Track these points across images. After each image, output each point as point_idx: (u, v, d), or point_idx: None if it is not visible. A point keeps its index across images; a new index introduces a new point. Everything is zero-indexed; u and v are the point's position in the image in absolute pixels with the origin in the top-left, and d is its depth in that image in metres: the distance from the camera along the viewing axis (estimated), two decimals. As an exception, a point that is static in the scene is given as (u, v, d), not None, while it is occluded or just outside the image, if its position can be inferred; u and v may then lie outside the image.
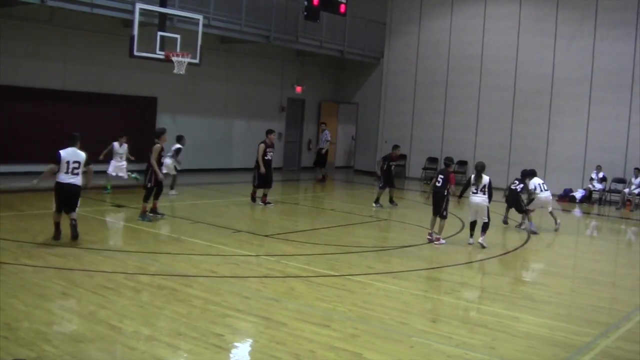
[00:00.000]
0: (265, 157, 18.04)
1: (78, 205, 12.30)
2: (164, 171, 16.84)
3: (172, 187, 19.38)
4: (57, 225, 12.19)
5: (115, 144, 18.97)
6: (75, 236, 12.01)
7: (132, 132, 22.67)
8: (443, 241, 14.07)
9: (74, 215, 12.10)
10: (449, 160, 15.05)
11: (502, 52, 27.27)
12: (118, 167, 19.02)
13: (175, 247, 12.35)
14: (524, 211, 16.60)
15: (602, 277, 12.32)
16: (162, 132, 15.27)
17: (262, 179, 18.17)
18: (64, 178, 11.89)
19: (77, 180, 12.06)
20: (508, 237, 15.90)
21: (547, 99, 26.20)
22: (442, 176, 14.40)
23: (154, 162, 14.86)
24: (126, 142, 19.25)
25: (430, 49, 29.41)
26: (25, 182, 18.66)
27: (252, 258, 12.02)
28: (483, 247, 13.71)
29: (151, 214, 15.05)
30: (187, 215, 16.13)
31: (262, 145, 18.12)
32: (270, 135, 18.42)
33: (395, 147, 20.45)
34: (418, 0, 29.78)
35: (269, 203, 18.35)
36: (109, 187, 18.94)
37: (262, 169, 18.00)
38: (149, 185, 14.94)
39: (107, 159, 18.89)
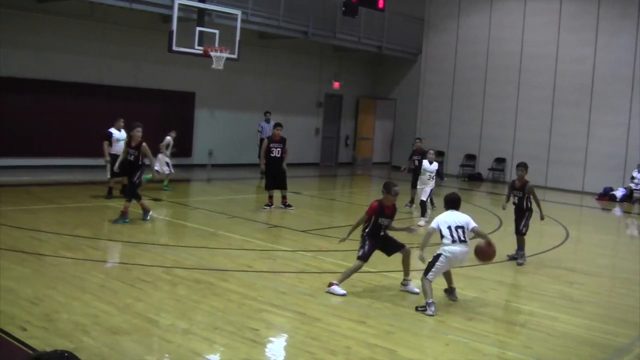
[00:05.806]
0: (271, 154, 16.58)
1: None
2: None
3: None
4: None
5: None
6: None
7: (170, 127, 22.88)
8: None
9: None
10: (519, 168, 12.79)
11: (542, 48, 26.91)
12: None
13: (212, 242, 12.41)
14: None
15: (642, 278, 12.14)
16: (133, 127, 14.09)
17: (268, 178, 16.81)
18: None
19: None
20: (545, 236, 15.72)
21: (588, 97, 25.80)
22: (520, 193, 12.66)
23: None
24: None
25: (468, 45, 29.18)
26: (62, 176, 19.03)
27: (289, 253, 12.03)
28: None
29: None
30: (223, 209, 16.19)
31: (266, 140, 16.93)
32: (276, 129, 16.80)
33: (416, 139, 19.95)
34: (457, -4, 29.59)
35: (289, 206, 16.90)
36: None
37: (262, 166, 16.97)
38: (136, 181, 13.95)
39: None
